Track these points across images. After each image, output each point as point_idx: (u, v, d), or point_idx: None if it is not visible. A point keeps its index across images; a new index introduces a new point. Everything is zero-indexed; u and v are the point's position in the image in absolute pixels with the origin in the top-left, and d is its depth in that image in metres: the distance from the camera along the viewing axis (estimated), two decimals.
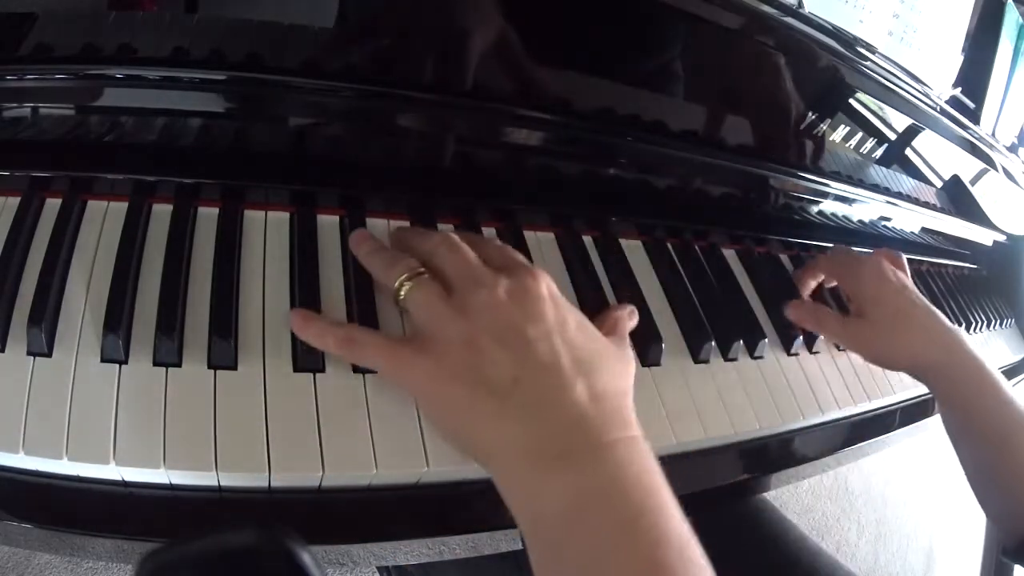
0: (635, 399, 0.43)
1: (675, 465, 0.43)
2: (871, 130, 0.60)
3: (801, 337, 0.56)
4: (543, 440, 0.30)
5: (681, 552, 0.28)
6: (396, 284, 0.35)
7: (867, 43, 0.55)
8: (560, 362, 0.32)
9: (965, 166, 0.75)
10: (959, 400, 0.51)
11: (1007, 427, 0.48)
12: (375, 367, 0.35)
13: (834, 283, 0.63)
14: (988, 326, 0.89)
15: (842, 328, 0.54)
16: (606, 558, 0.28)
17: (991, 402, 0.49)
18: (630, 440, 0.32)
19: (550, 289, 0.35)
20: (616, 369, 0.35)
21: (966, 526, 1.85)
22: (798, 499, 1.64)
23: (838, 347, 0.59)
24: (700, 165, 0.55)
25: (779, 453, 0.51)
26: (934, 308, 0.54)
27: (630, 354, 0.39)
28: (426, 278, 0.35)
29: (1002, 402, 0.49)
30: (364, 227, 0.44)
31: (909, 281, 0.56)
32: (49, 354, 0.33)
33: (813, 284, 0.62)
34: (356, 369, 0.37)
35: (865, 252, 0.60)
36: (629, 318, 0.42)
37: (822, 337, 0.58)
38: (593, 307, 0.47)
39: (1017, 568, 1.04)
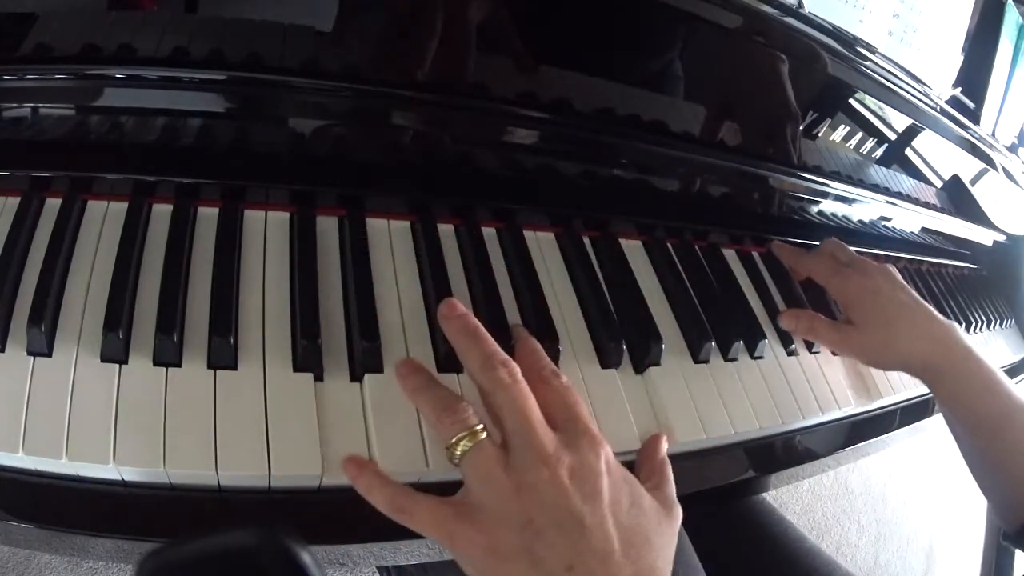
0: (634, 400, 0.44)
1: (675, 465, 0.43)
2: (871, 130, 0.60)
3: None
4: None
5: None
6: (451, 440, 0.34)
7: (867, 43, 0.55)
8: (612, 550, 0.32)
9: (965, 166, 0.75)
10: (956, 392, 0.51)
11: (1002, 416, 0.49)
12: (424, 534, 0.34)
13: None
14: (988, 326, 0.89)
15: (836, 334, 0.54)
16: None
17: (986, 392, 0.50)
18: None
19: (608, 461, 0.35)
20: (662, 543, 0.35)
21: (966, 526, 1.85)
22: (798, 499, 1.64)
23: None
24: (700, 165, 0.55)
25: (779, 453, 0.51)
26: (925, 303, 0.54)
27: (677, 510, 0.38)
28: (484, 441, 0.34)
29: (997, 392, 0.50)
30: (364, 227, 0.44)
31: (898, 276, 0.56)
32: (49, 354, 0.33)
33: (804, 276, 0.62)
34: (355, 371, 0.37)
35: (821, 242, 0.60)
36: (666, 455, 0.42)
37: None
38: (594, 307, 0.47)
39: (1018, 554, 1.04)
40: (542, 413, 0.34)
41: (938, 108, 0.64)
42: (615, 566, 0.32)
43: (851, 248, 0.59)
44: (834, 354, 0.58)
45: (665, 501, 0.37)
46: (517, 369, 0.35)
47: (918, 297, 0.54)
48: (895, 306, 0.53)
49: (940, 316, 0.53)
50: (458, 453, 0.33)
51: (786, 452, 0.51)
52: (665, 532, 0.36)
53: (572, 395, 0.37)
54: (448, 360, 0.39)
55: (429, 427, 0.36)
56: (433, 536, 0.33)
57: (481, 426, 0.34)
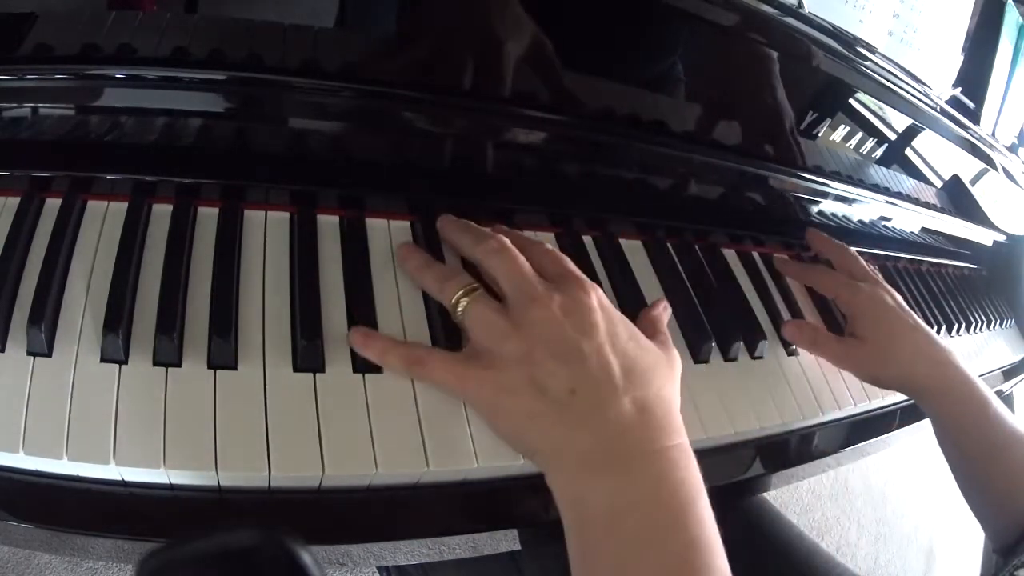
0: None
1: None
2: (871, 130, 0.60)
3: None
4: (594, 447, 0.33)
5: (708, 562, 0.31)
6: (452, 301, 0.37)
7: (867, 43, 0.55)
8: (612, 375, 0.34)
9: (965, 166, 0.75)
10: (952, 416, 0.52)
11: (996, 444, 0.50)
12: (439, 384, 0.36)
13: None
14: (988, 326, 0.89)
15: (839, 347, 0.55)
16: (638, 561, 0.30)
17: (982, 419, 0.51)
18: (673, 449, 0.34)
19: (600, 300, 0.37)
20: (664, 376, 0.37)
21: (966, 526, 1.85)
22: (798, 499, 1.64)
23: None
24: (700, 165, 0.55)
25: (779, 453, 0.51)
26: (927, 327, 0.55)
27: (675, 355, 0.40)
28: (480, 294, 0.37)
29: (992, 419, 0.50)
30: (364, 227, 0.44)
31: (902, 300, 0.56)
32: (49, 354, 0.33)
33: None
34: (356, 368, 0.37)
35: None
36: (664, 312, 0.45)
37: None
38: None
39: None
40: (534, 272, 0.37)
41: (938, 108, 0.64)
42: (614, 390, 0.34)
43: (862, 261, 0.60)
44: None
45: (663, 346, 0.39)
46: (505, 239, 0.39)
47: (921, 321, 0.55)
48: (901, 324, 0.54)
49: (940, 340, 0.54)
50: (460, 309, 0.36)
51: (786, 452, 0.51)
52: (667, 368, 0.38)
53: (558, 254, 0.40)
54: None
55: (434, 293, 0.39)
56: (447, 383, 0.36)
57: (477, 285, 0.37)
